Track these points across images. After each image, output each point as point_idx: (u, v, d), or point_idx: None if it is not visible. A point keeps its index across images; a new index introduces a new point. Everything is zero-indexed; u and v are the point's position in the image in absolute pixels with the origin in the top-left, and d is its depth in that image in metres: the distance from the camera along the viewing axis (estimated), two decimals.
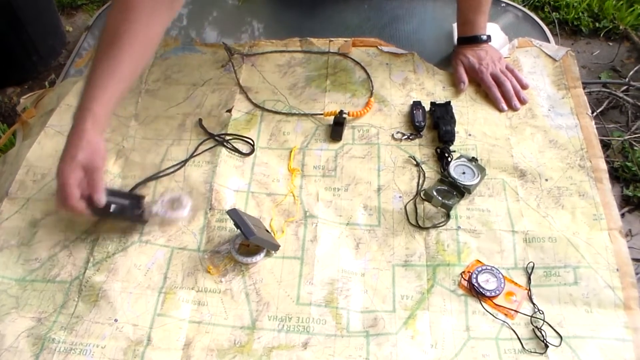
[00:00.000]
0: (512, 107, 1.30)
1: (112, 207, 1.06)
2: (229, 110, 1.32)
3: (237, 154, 1.24)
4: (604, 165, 1.18)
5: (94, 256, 1.08)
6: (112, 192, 1.09)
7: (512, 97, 1.31)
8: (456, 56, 1.41)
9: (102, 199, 1.03)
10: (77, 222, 1.13)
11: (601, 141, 1.94)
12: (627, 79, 2.21)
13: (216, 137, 1.27)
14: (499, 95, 1.32)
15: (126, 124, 1.30)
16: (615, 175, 2.02)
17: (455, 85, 1.37)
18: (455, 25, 1.50)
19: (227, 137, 1.28)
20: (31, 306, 1.02)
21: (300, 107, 1.33)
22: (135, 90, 1.39)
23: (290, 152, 1.24)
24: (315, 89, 1.38)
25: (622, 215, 1.93)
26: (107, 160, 1.21)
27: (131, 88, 1.15)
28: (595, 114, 2.11)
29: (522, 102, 1.31)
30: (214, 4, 1.69)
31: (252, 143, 1.27)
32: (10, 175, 1.19)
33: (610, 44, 2.52)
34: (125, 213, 1.10)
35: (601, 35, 2.53)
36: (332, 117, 1.30)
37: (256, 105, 1.34)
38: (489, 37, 1.40)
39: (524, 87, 1.34)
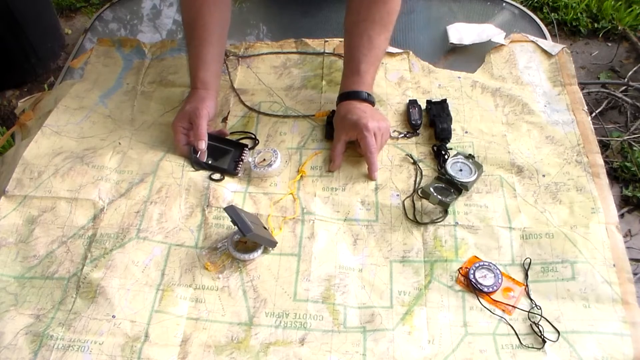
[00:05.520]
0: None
1: (206, 157, 1.23)
2: (225, 120, 1.33)
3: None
4: (600, 161, 1.18)
5: (91, 252, 1.08)
6: (220, 140, 1.26)
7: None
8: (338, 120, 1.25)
9: (198, 145, 1.21)
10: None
11: (600, 141, 1.95)
12: (626, 79, 2.22)
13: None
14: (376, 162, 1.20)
15: (122, 128, 1.30)
16: (615, 175, 2.03)
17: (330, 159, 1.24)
18: (449, 28, 1.51)
19: (230, 134, 1.30)
20: (30, 303, 1.02)
21: (297, 108, 1.34)
22: (131, 93, 1.39)
23: (305, 160, 1.24)
24: (311, 90, 1.38)
25: (622, 215, 1.94)
26: (103, 155, 1.23)
27: (224, 47, 1.36)
28: (594, 114, 2.12)
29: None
30: None
31: (254, 137, 1.28)
32: (8, 175, 1.20)
33: (609, 44, 2.53)
34: (220, 165, 1.23)
35: (600, 35, 2.54)
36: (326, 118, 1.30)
37: (250, 109, 1.35)
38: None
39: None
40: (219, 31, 1.30)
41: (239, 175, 1.22)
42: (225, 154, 1.24)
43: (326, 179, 1.20)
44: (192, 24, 1.28)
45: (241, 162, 1.23)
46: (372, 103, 1.24)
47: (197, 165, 1.22)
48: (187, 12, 1.29)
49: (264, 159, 1.21)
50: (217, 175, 1.20)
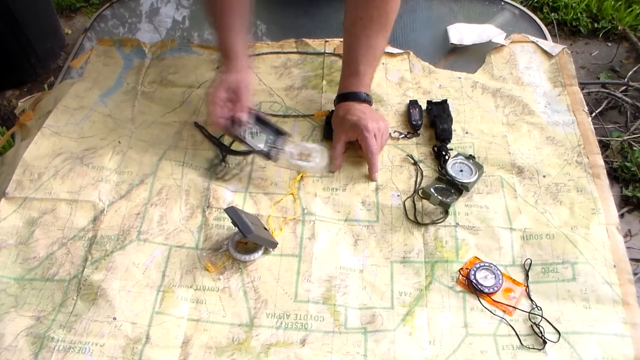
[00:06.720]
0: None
1: (246, 134, 1.18)
2: None
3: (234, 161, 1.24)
4: (601, 162, 1.18)
5: (92, 254, 1.08)
6: (260, 120, 1.22)
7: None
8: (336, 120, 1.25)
9: (243, 117, 1.17)
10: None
11: (600, 141, 1.95)
12: (626, 79, 2.21)
13: (214, 139, 1.27)
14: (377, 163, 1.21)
15: (123, 126, 1.30)
16: (615, 175, 2.02)
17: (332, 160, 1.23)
18: (449, 28, 1.51)
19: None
20: (30, 305, 1.02)
21: (297, 108, 1.33)
22: (131, 92, 1.39)
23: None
24: (311, 90, 1.38)
25: (622, 215, 1.94)
26: (103, 156, 1.23)
27: (249, 21, 1.26)
28: (594, 114, 2.12)
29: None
30: None
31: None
32: (8, 176, 1.20)
33: (609, 44, 2.53)
34: (256, 144, 1.19)
35: (600, 35, 2.54)
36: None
37: (251, 109, 1.34)
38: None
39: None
40: (243, 5, 1.24)
41: (274, 160, 1.19)
42: (262, 136, 1.21)
43: (327, 180, 1.20)
44: (215, 2, 1.22)
45: (279, 149, 1.20)
46: (370, 103, 1.24)
47: (235, 138, 1.19)
48: None
49: (306, 154, 1.19)
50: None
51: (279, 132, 1.22)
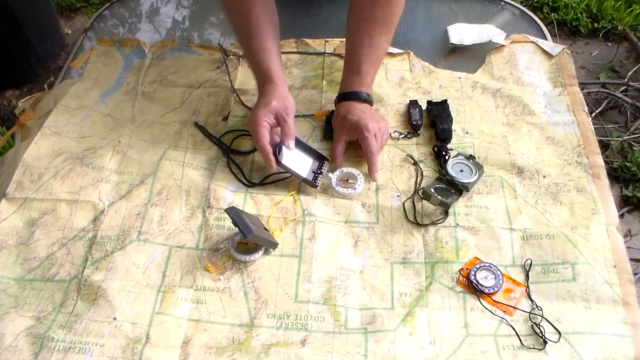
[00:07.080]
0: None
1: (288, 162, 1.17)
2: (225, 118, 1.32)
3: (235, 161, 1.24)
4: (601, 162, 1.18)
5: (92, 255, 1.07)
6: (302, 145, 1.21)
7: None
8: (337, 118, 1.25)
9: (291, 144, 1.17)
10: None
11: (600, 141, 1.95)
12: (626, 79, 2.22)
13: (214, 138, 1.28)
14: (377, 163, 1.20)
15: (123, 126, 1.30)
16: (615, 175, 2.03)
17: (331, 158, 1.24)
18: (450, 29, 1.51)
19: (229, 134, 1.29)
20: (30, 305, 1.02)
21: (298, 108, 1.32)
22: (131, 92, 1.39)
23: None
24: (311, 90, 1.38)
25: (622, 215, 1.94)
26: (103, 156, 1.23)
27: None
28: (594, 114, 2.12)
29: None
30: (214, 5, 1.69)
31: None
32: (8, 176, 1.20)
33: (609, 44, 2.53)
34: (299, 170, 1.18)
35: (600, 35, 2.55)
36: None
37: (251, 109, 1.33)
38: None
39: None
40: (274, 27, 1.25)
41: (319, 188, 1.19)
42: (304, 162, 1.20)
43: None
44: (246, 23, 1.22)
45: (321, 175, 1.20)
46: (371, 103, 1.24)
47: (280, 166, 1.17)
48: (236, 13, 1.24)
49: (347, 180, 1.19)
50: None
51: (318, 157, 1.22)
